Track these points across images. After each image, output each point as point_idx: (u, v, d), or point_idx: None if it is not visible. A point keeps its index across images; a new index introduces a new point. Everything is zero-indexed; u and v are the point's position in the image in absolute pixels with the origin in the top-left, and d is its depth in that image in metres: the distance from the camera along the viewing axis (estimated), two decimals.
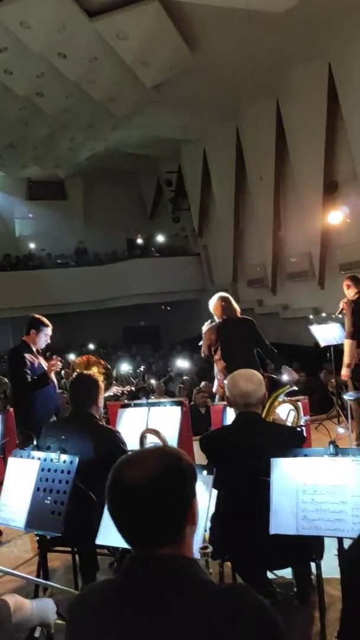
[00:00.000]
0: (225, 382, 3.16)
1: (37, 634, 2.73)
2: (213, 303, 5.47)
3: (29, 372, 4.74)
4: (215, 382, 5.58)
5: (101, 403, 3.55)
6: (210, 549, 2.12)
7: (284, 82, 12.03)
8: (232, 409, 3.14)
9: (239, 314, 5.47)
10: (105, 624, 1.23)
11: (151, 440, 2.71)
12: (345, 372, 5.97)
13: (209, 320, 5.54)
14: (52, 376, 4.82)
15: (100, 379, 3.62)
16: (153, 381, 10.96)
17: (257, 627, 1.17)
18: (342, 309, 6.01)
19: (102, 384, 3.54)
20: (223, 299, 5.45)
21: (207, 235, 17.98)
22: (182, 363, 12.42)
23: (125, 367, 11.90)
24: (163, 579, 1.22)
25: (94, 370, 4.27)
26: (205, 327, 5.51)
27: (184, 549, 1.28)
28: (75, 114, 13.71)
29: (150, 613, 1.19)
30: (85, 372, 4.09)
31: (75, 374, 4.21)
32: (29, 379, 4.74)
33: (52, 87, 12.11)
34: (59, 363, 4.91)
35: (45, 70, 11.39)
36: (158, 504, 1.23)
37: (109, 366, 4.23)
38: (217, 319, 5.44)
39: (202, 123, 14.83)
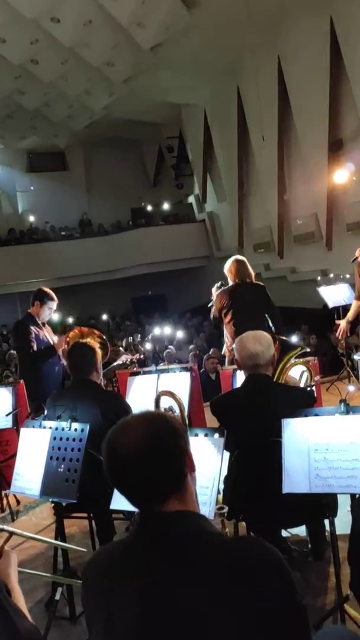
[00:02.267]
0: (234, 344, 3.14)
1: (57, 596, 2.80)
2: (228, 266, 5.41)
3: (33, 341, 4.77)
4: (224, 347, 5.57)
5: (100, 369, 3.57)
6: (226, 509, 2.14)
7: (285, 38, 11.66)
8: (241, 373, 3.13)
9: (253, 278, 5.42)
10: (119, 583, 1.24)
11: (166, 402, 2.73)
12: (343, 325, 5.97)
13: (219, 283, 5.49)
14: (60, 351, 4.82)
15: (97, 346, 3.61)
16: (148, 346, 11.05)
17: (269, 573, 1.18)
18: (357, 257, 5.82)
19: (98, 351, 3.55)
20: (238, 261, 5.39)
21: (211, 200, 17.76)
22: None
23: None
24: (172, 534, 1.24)
25: (89, 340, 4.26)
26: (214, 290, 5.46)
27: (188, 499, 1.30)
28: (71, 80, 13.44)
29: (162, 568, 1.20)
30: (80, 340, 4.07)
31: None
32: (34, 349, 4.77)
33: (46, 53, 11.85)
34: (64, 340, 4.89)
35: (39, 36, 11.14)
36: (155, 466, 1.26)
37: (104, 336, 4.23)
38: (230, 282, 5.39)
39: (202, 84, 14.48)
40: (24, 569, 2.25)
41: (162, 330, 12.60)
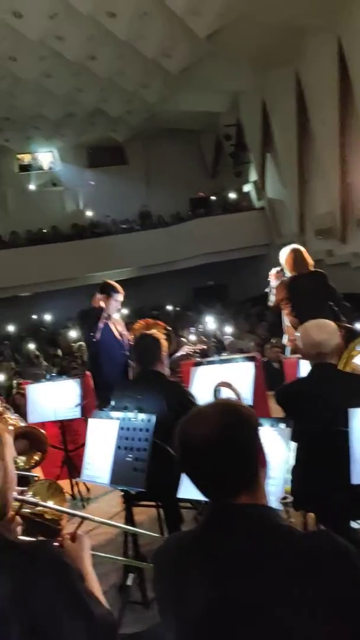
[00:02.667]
0: (297, 333, 3.11)
1: (129, 581, 2.88)
2: (284, 256, 5.26)
3: (98, 332, 4.84)
4: (285, 336, 5.48)
5: (166, 360, 3.60)
6: (290, 499, 2.12)
7: (346, 19, 11.28)
8: (306, 362, 3.09)
9: (311, 267, 5.28)
10: (187, 573, 1.26)
11: (225, 393, 2.73)
12: None
13: (279, 267, 5.38)
14: (113, 328, 4.88)
15: (162, 337, 3.65)
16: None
17: (341, 566, 1.17)
18: None
19: (164, 342, 3.58)
20: (295, 251, 5.24)
21: (270, 187, 17.49)
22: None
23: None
24: (243, 526, 1.24)
25: (154, 331, 4.31)
26: (273, 274, 5.36)
27: (259, 494, 1.30)
28: (128, 74, 13.54)
29: (232, 560, 1.21)
30: (146, 332, 4.13)
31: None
32: (97, 338, 4.83)
33: (103, 49, 11.99)
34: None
35: (96, 32, 11.26)
36: (228, 456, 1.25)
37: (169, 327, 4.26)
38: (288, 272, 5.28)
39: (259, 70, 14.23)
40: (97, 552, 2.32)
41: (224, 320, 12.56)
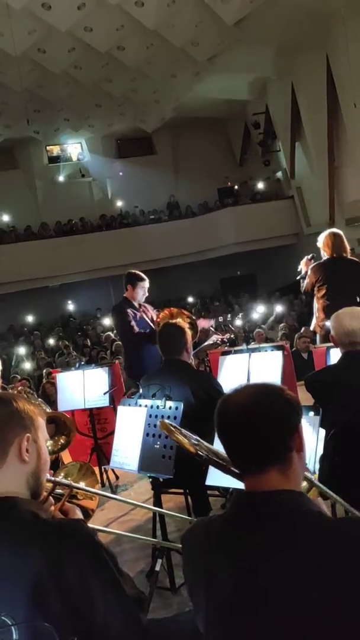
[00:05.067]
0: (328, 322, 3.07)
1: (157, 567, 2.91)
2: (323, 239, 5.19)
3: (133, 322, 4.86)
4: (314, 320, 5.41)
5: (191, 349, 3.59)
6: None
7: None
8: (335, 351, 3.05)
9: (348, 253, 5.22)
10: (217, 557, 1.27)
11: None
12: None
13: (310, 255, 5.32)
14: (145, 316, 4.89)
15: (186, 326, 3.64)
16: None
17: None
18: None
19: (188, 331, 3.58)
20: (335, 235, 5.18)
21: (300, 175, 17.27)
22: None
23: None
24: (271, 511, 1.23)
25: (179, 320, 4.31)
26: (304, 262, 5.30)
27: (292, 477, 1.29)
28: (156, 64, 13.50)
29: (261, 546, 1.21)
30: (170, 321, 4.12)
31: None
32: (136, 330, 4.86)
33: (132, 38, 11.97)
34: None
35: (124, 21, 11.24)
36: (259, 420, 1.27)
37: (193, 316, 4.25)
38: (325, 256, 5.21)
39: (288, 56, 14.02)
40: (128, 534, 2.35)
41: (254, 309, 12.52)
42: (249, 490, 1.30)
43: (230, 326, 10.81)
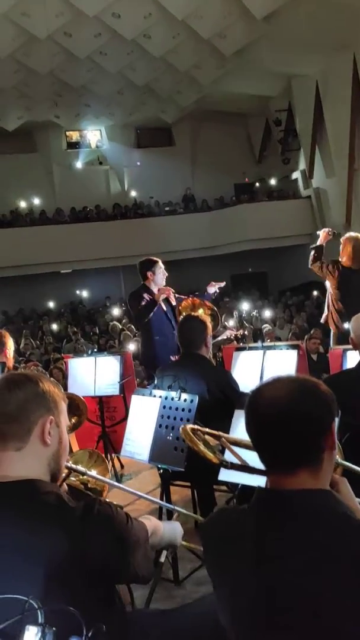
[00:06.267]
0: (347, 325, 3.04)
1: (162, 558, 2.90)
2: (347, 241, 5.15)
3: (143, 302, 4.85)
4: (325, 312, 5.38)
5: (210, 344, 3.58)
6: None
7: None
8: (353, 353, 3.03)
9: None
10: (240, 555, 1.25)
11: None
12: None
13: (332, 231, 5.28)
14: (162, 304, 4.88)
15: (208, 320, 3.63)
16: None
17: None
18: None
19: (209, 325, 3.56)
20: (355, 239, 5.13)
21: (318, 176, 17.14)
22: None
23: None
24: (296, 511, 1.21)
25: (201, 312, 4.29)
26: (324, 233, 5.25)
27: (322, 476, 1.26)
28: (182, 54, 13.41)
29: (283, 544, 1.19)
30: (192, 313, 4.11)
31: (182, 316, 4.26)
32: (148, 317, 4.85)
33: (159, 27, 11.89)
34: (170, 291, 4.94)
35: (153, 10, 11.17)
36: (294, 422, 1.22)
37: (214, 307, 4.22)
38: (342, 259, 5.16)
39: (315, 54, 13.88)
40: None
41: (263, 308, 12.49)
42: (274, 487, 1.27)
43: (245, 322, 10.80)
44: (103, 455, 2.13)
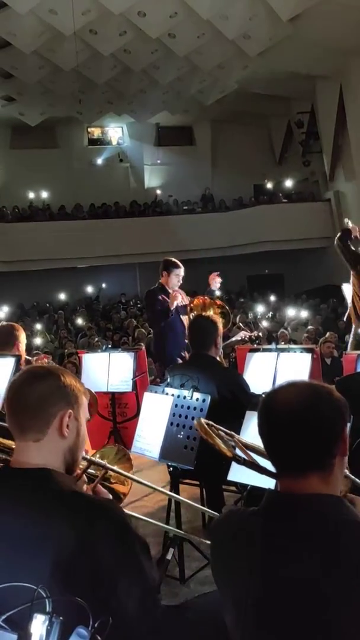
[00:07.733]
0: None
1: (169, 556, 2.92)
2: None
3: (158, 307, 4.88)
4: (348, 308, 5.38)
5: (220, 345, 3.57)
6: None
7: None
8: None
9: None
10: (248, 558, 1.25)
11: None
12: None
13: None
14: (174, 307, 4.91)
15: (218, 320, 3.62)
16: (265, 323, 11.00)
17: None
18: None
19: (220, 326, 3.55)
20: None
21: (339, 179, 17.04)
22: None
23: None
24: (306, 516, 1.21)
25: (211, 312, 4.29)
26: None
27: (333, 482, 1.26)
28: (206, 54, 13.40)
29: (291, 549, 1.20)
30: (203, 314, 4.11)
31: (192, 315, 4.26)
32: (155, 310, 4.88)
33: (184, 27, 11.89)
34: (180, 295, 4.97)
35: (178, 9, 11.17)
36: (307, 427, 1.23)
37: (225, 305, 4.22)
38: None
39: (340, 56, 13.79)
40: (146, 518, 2.35)
41: (281, 310, 12.47)
42: (285, 491, 1.28)
43: (259, 324, 10.77)
44: (128, 453, 2.13)
